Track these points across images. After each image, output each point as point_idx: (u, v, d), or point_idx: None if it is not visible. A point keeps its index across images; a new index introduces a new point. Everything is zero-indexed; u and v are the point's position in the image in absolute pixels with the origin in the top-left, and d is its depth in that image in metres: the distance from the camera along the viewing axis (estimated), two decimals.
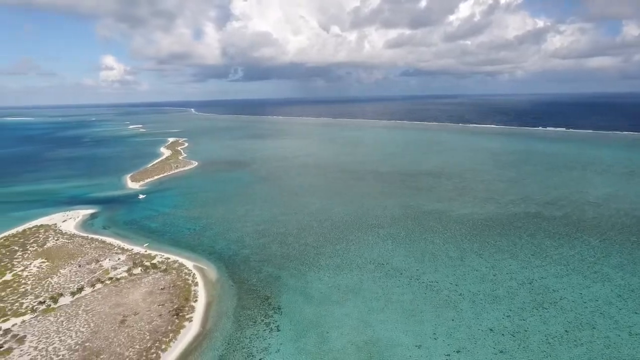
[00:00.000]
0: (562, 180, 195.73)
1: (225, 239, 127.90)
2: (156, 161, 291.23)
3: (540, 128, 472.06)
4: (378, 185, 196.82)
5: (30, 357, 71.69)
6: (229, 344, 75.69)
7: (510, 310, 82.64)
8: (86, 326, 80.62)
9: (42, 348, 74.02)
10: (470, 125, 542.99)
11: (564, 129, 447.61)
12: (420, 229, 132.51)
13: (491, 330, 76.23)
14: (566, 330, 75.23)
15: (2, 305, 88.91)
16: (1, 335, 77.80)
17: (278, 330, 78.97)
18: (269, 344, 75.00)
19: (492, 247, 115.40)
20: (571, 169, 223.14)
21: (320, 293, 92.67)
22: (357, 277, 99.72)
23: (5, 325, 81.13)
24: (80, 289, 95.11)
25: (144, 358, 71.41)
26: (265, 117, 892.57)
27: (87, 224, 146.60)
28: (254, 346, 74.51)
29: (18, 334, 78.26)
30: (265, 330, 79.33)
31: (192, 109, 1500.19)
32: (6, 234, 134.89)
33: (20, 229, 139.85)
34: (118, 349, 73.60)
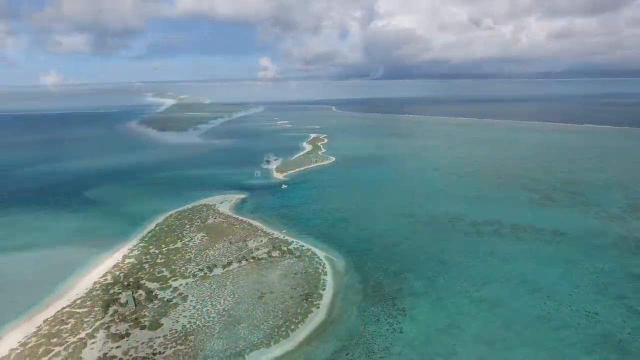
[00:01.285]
0: None
1: (355, 234, 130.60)
2: (298, 154, 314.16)
3: None
4: (527, 194, 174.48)
5: (190, 314, 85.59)
6: (351, 336, 77.16)
7: None
8: (231, 296, 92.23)
9: (198, 308, 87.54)
10: None
11: None
12: (578, 249, 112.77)
13: None
14: None
15: (174, 267, 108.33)
16: (172, 291, 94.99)
17: (401, 332, 77.15)
18: (390, 344, 73.87)
19: None
20: None
21: (451, 302, 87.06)
22: (495, 293, 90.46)
23: (174, 284, 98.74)
24: (230, 263, 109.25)
25: (275, 334, 78.12)
26: (405, 116, 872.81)
27: (238, 207, 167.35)
28: (375, 343, 74.36)
29: (183, 293, 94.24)
30: (387, 330, 78.36)
31: (333, 107, 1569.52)
32: (179, 209, 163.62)
33: (189, 206, 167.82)
34: (255, 322, 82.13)
